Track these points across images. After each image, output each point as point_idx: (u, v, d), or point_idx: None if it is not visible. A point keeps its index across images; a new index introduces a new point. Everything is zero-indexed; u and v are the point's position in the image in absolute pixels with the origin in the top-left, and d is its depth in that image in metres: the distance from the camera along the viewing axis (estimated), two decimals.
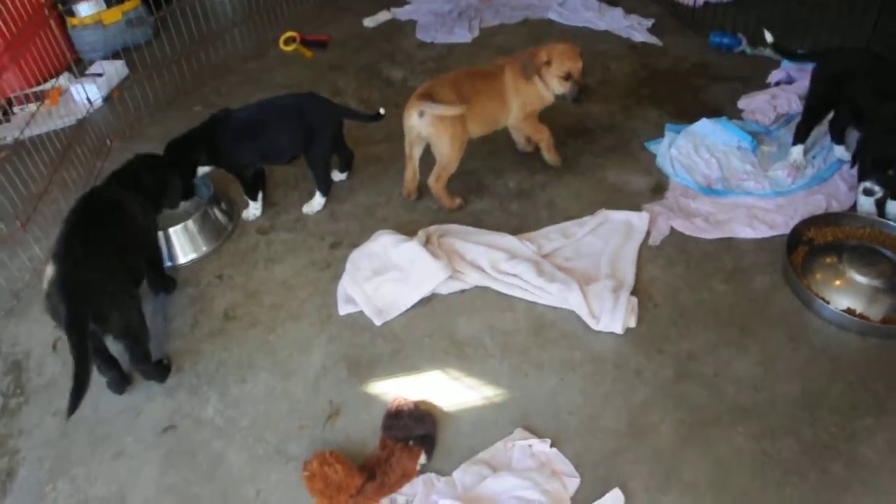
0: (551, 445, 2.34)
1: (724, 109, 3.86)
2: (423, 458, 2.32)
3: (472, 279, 2.91)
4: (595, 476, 2.27)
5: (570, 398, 2.51)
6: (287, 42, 4.68)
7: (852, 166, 3.03)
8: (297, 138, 3.17)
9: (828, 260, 2.88)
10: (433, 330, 2.78)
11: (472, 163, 3.53)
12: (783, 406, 2.44)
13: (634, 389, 2.53)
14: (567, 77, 3.19)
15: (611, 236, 3.08)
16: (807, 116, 3.36)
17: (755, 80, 4.10)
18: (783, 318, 2.76)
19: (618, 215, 3.18)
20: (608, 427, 2.41)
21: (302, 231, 3.29)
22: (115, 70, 4.41)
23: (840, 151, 3.42)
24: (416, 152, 3.32)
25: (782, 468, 2.26)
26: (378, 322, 2.81)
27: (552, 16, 4.91)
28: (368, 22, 4.95)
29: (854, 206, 3.17)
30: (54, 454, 2.48)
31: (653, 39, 4.57)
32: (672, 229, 3.14)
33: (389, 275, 2.89)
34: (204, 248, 3.20)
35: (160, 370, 2.70)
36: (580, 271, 2.92)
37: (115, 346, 2.58)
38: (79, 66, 4.38)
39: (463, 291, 2.92)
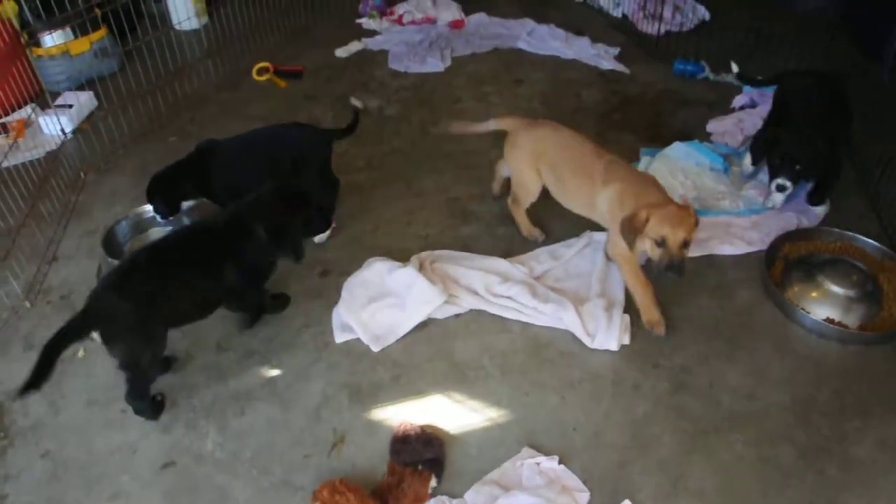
0: (559, 462, 2.38)
1: (693, 133, 4.00)
2: (433, 482, 2.33)
3: (467, 303, 2.94)
4: (604, 490, 2.31)
5: (573, 415, 2.56)
6: (260, 72, 4.69)
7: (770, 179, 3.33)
8: (283, 170, 3.18)
9: (804, 273, 3.01)
10: (432, 354, 2.80)
11: (457, 189, 3.58)
12: (776, 413, 2.54)
13: (634, 403, 2.59)
14: (660, 243, 2.67)
15: (597, 257, 3.16)
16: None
17: (720, 105, 4.28)
18: (768, 330, 2.87)
19: (602, 236, 3.26)
20: (612, 441, 2.47)
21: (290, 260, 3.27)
22: (83, 101, 4.35)
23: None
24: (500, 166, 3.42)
25: (781, 472, 2.35)
26: (376, 349, 2.81)
27: (521, 45, 5.03)
28: (340, 52, 4.99)
29: (825, 221, 3.35)
30: (46, 498, 2.39)
31: (620, 67, 4.72)
32: None
33: (385, 301, 2.91)
34: None
35: (154, 407, 2.64)
36: (572, 292, 2.99)
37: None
38: (43, 98, 4.30)
39: (458, 315, 2.95)
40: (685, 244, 2.64)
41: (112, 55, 4.69)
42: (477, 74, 4.74)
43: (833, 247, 3.22)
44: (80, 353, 2.85)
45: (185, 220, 3.30)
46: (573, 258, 3.17)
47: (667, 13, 5.04)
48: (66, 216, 3.58)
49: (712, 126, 4.06)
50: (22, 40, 4.07)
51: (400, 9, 5.53)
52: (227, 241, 2.61)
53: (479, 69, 4.81)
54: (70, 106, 4.23)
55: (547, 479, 2.33)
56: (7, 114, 4.31)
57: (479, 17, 5.45)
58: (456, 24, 5.38)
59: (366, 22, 5.43)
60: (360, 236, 3.39)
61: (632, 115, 4.25)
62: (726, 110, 4.22)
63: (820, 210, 3.39)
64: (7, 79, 4.08)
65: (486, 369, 2.73)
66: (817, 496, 2.28)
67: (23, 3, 4.30)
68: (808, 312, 2.87)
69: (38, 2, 4.09)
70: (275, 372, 2.77)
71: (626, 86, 4.56)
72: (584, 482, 2.33)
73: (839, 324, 2.85)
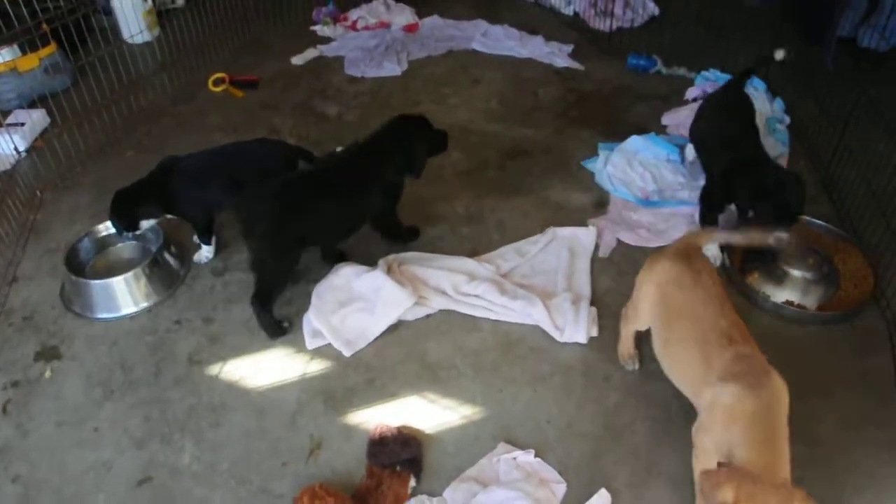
0: (535, 455, 2.41)
1: (649, 126, 4.08)
2: (412, 482, 2.35)
3: (436, 303, 2.97)
4: (580, 480, 2.36)
5: (546, 408, 2.60)
6: (216, 83, 4.65)
7: None
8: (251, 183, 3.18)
9: (763, 258, 3.10)
10: (404, 356, 2.82)
11: (421, 191, 3.59)
12: None
13: (605, 394, 2.64)
14: None
15: (562, 252, 3.21)
16: None
17: (674, 97, 4.37)
18: None
19: (566, 231, 3.32)
20: (586, 432, 2.51)
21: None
22: (36, 119, 4.27)
23: None
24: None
25: None
26: (348, 353, 2.82)
27: (476, 46, 5.07)
28: (296, 60, 4.98)
29: None
30: None
31: (575, 64, 4.79)
32: (618, 241, 3.30)
33: (355, 305, 2.92)
34: (157, 296, 3.13)
35: (274, 326, 2.90)
36: (539, 287, 3.03)
37: None
38: None
39: (428, 316, 2.97)
40: None
41: (63, 71, 4.60)
42: (434, 77, 4.77)
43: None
44: (48, 374, 2.82)
45: (150, 236, 3.27)
46: (538, 254, 3.21)
47: (617, 9, 5.14)
48: (24, 236, 3.51)
49: (667, 118, 4.15)
50: None
51: (353, 14, 5.52)
52: (372, 168, 2.97)
53: (435, 71, 4.84)
54: (22, 124, 4.15)
55: (524, 472, 2.37)
56: None
57: (433, 20, 5.47)
58: (410, 28, 5.39)
59: (320, 29, 5.41)
60: None
61: (588, 112, 4.32)
62: (680, 102, 4.31)
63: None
64: None
65: (459, 368, 2.76)
66: None
67: None
68: (769, 296, 2.96)
69: None
70: (248, 382, 2.76)
71: (581, 83, 4.63)
72: (561, 474, 2.37)
73: (799, 305, 2.94)
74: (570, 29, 5.29)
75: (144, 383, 2.77)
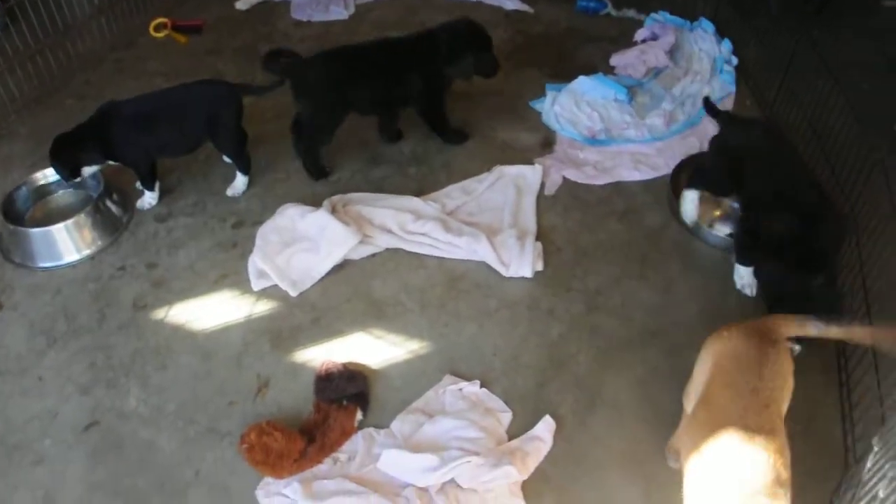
0: (480, 386, 2.45)
1: (597, 67, 4.07)
2: (359, 415, 2.37)
3: (382, 242, 2.97)
4: (525, 408, 2.41)
5: (492, 342, 2.64)
6: (158, 28, 4.50)
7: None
8: (197, 128, 3.11)
9: (707, 193, 3.13)
10: (350, 295, 2.82)
11: (366, 133, 3.56)
12: (686, 324, 2.67)
13: (550, 327, 2.68)
14: None
15: (508, 190, 3.22)
16: None
17: (623, 39, 4.35)
18: (675, 249, 3.00)
19: (512, 170, 3.33)
20: (531, 363, 2.56)
21: (202, 214, 3.22)
22: None
23: None
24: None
25: None
26: (294, 293, 2.81)
27: None
28: (240, 5, 4.83)
29: None
30: None
31: (524, 7, 4.74)
32: (564, 179, 3.31)
33: (300, 245, 2.90)
34: (100, 243, 3.07)
35: (319, 168, 3.34)
36: (485, 225, 3.04)
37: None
38: None
39: (374, 255, 2.97)
40: None
41: None
42: (382, 20, 4.68)
43: None
44: None
45: (90, 183, 3.19)
46: (485, 192, 3.22)
47: None
48: None
49: (616, 60, 4.14)
50: None
51: None
52: (418, 53, 3.24)
53: (383, 15, 4.75)
54: None
55: (469, 402, 2.41)
56: None
57: None
58: None
59: None
60: (272, 185, 3.35)
61: (537, 53, 4.30)
62: (629, 44, 4.30)
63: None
64: None
65: (405, 305, 2.78)
66: None
67: None
68: (712, 230, 3.01)
69: None
70: (194, 325, 2.74)
71: (530, 25, 4.59)
72: (506, 403, 2.42)
73: None
74: None
75: (88, 330, 2.74)
